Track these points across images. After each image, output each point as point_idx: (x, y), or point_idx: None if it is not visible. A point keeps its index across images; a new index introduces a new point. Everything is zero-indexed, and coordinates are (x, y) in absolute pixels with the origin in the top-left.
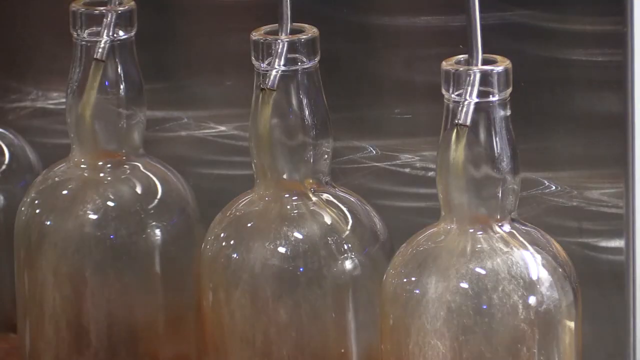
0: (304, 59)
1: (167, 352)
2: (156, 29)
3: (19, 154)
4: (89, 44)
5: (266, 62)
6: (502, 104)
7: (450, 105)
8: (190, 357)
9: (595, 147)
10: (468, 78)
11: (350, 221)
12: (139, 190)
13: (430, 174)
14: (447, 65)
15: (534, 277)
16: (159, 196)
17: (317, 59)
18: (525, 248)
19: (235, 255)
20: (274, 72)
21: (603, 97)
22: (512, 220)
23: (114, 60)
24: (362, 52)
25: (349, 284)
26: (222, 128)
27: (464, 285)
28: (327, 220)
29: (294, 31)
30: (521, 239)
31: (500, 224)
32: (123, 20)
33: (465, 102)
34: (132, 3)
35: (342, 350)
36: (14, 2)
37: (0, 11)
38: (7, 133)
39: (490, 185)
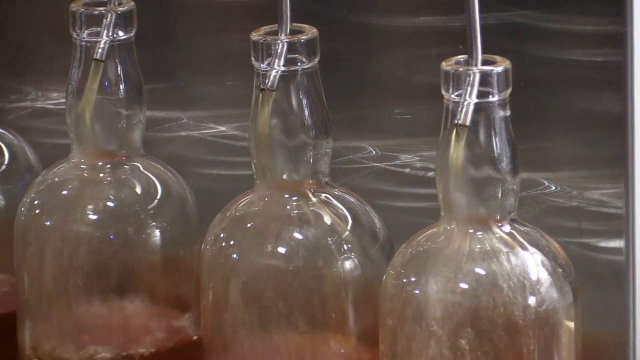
0: (304, 59)
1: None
2: (156, 29)
3: (18, 154)
4: (88, 44)
5: (266, 62)
6: (502, 104)
7: (450, 106)
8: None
9: (595, 147)
10: (468, 78)
11: (350, 221)
12: (138, 190)
13: (430, 174)
14: (446, 65)
15: (534, 278)
16: (159, 196)
17: (316, 59)
18: (525, 248)
19: (235, 256)
20: (273, 73)
21: (603, 97)
22: (512, 220)
23: (114, 60)
24: (362, 52)
25: (349, 284)
26: (222, 128)
27: (464, 285)
28: (327, 220)
29: (293, 31)
30: (521, 239)
31: (499, 224)
32: (123, 21)
33: (465, 103)
34: (132, 3)
35: (342, 351)
36: (14, 2)
37: (0, 11)
38: (6, 133)
39: (489, 185)
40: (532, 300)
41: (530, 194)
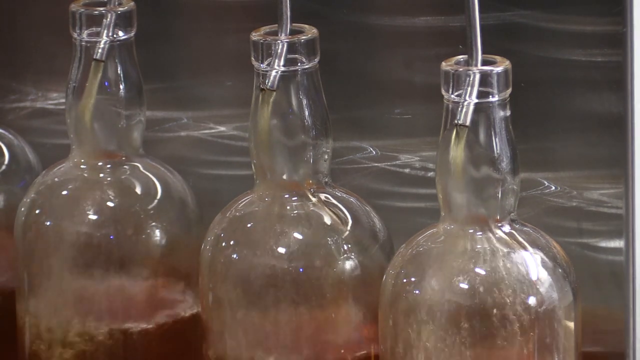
0: (304, 60)
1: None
2: (156, 29)
3: (18, 154)
4: (88, 45)
5: (266, 62)
6: (502, 104)
7: (450, 106)
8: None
9: (595, 147)
10: (468, 78)
11: (350, 221)
12: (138, 190)
13: (430, 174)
14: (446, 65)
15: (534, 278)
16: (159, 196)
17: (316, 60)
18: (525, 248)
19: (235, 256)
20: (273, 73)
21: (603, 97)
22: (512, 220)
23: (114, 60)
24: (362, 52)
25: (349, 284)
26: (222, 128)
27: (464, 285)
28: (327, 220)
29: (293, 32)
30: (521, 239)
31: (499, 225)
32: (123, 21)
33: (465, 103)
34: (132, 3)
35: (342, 351)
36: (14, 2)
37: (0, 11)
38: (6, 133)
39: (489, 185)
40: (532, 300)
41: (530, 194)
